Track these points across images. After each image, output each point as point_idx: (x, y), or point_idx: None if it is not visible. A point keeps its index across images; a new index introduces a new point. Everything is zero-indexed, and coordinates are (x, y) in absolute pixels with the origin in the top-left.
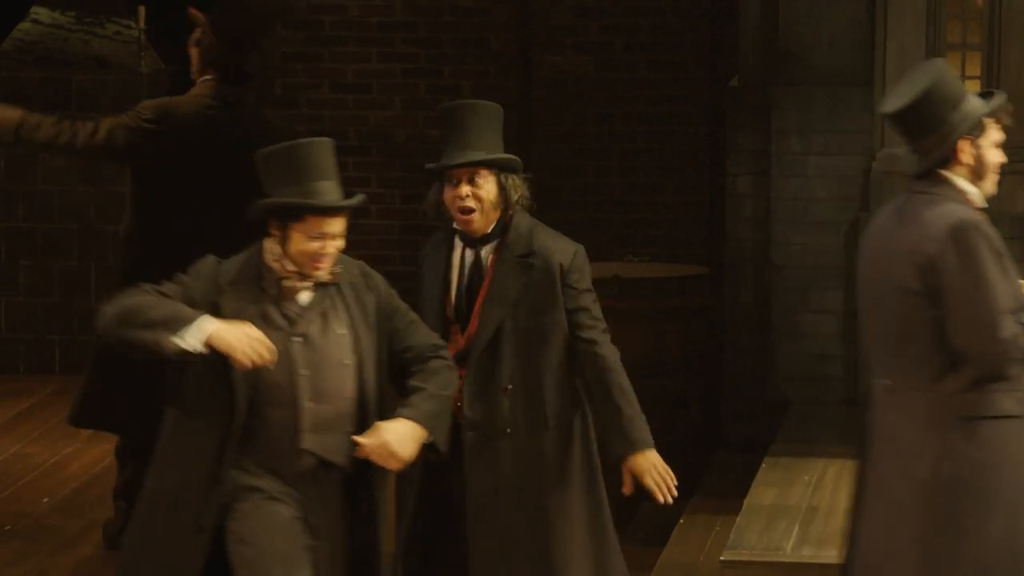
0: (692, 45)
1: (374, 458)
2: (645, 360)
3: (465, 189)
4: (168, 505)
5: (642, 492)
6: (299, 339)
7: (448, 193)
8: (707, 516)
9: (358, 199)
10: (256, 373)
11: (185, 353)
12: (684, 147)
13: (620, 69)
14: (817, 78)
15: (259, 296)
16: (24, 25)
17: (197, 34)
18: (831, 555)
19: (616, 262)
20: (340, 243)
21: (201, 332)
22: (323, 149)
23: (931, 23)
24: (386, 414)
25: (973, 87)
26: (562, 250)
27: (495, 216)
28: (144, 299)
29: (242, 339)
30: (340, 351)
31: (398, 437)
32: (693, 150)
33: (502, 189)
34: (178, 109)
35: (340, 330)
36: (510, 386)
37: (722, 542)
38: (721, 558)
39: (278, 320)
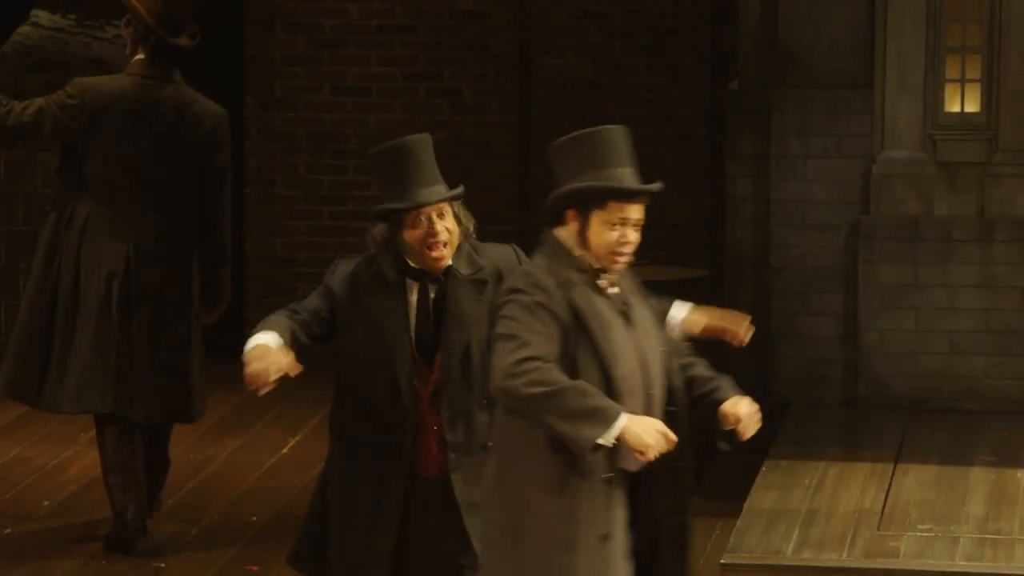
0: (692, 48)
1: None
2: None
3: (439, 225)
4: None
5: None
6: (632, 328)
7: (415, 232)
8: (707, 519)
9: (658, 185)
10: (607, 367)
11: (597, 448)
12: (684, 150)
13: (620, 72)
14: (817, 81)
15: (594, 289)
16: (24, 28)
17: (128, 15)
18: (831, 558)
19: None
20: (637, 235)
21: (616, 428)
22: (619, 135)
23: (931, 26)
24: None
25: (973, 89)
26: (502, 255)
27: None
28: (570, 384)
29: (651, 434)
30: (654, 338)
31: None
32: (693, 153)
33: (458, 220)
34: (103, 86)
35: (647, 315)
36: (485, 400)
37: (722, 545)
38: (721, 561)
39: (615, 311)
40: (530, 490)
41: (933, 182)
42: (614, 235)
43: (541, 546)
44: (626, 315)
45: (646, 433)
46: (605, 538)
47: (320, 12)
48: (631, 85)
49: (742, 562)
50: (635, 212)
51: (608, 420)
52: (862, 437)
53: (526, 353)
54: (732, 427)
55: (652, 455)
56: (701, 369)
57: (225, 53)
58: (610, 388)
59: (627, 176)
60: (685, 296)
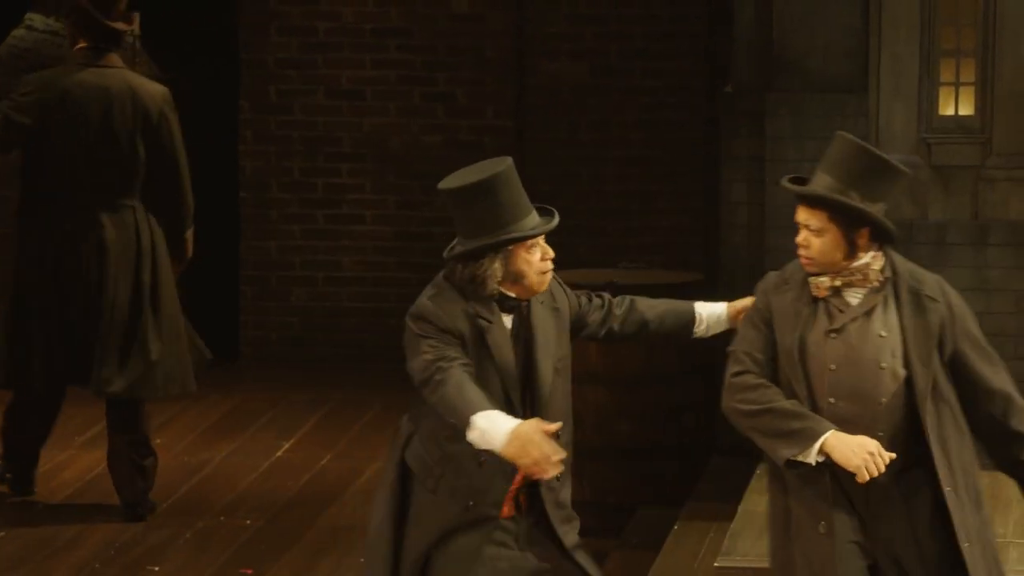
0: (687, 52)
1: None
2: (641, 368)
3: (549, 251)
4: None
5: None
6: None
7: (532, 258)
8: (702, 522)
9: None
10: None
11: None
12: (679, 154)
13: (615, 76)
14: (812, 85)
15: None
16: (18, 31)
17: (67, 8)
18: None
19: (611, 269)
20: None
21: (816, 446)
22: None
23: (925, 29)
24: None
25: (968, 93)
26: (555, 285)
27: None
28: (783, 404)
29: (858, 452)
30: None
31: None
32: (688, 157)
33: None
34: (54, 78)
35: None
36: (559, 432)
37: (716, 548)
38: (715, 564)
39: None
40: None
41: (927, 186)
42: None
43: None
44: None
45: (853, 453)
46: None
47: (314, 15)
48: (626, 89)
49: (736, 565)
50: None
51: (806, 439)
52: None
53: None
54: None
55: (863, 475)
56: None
57: (220, 57)
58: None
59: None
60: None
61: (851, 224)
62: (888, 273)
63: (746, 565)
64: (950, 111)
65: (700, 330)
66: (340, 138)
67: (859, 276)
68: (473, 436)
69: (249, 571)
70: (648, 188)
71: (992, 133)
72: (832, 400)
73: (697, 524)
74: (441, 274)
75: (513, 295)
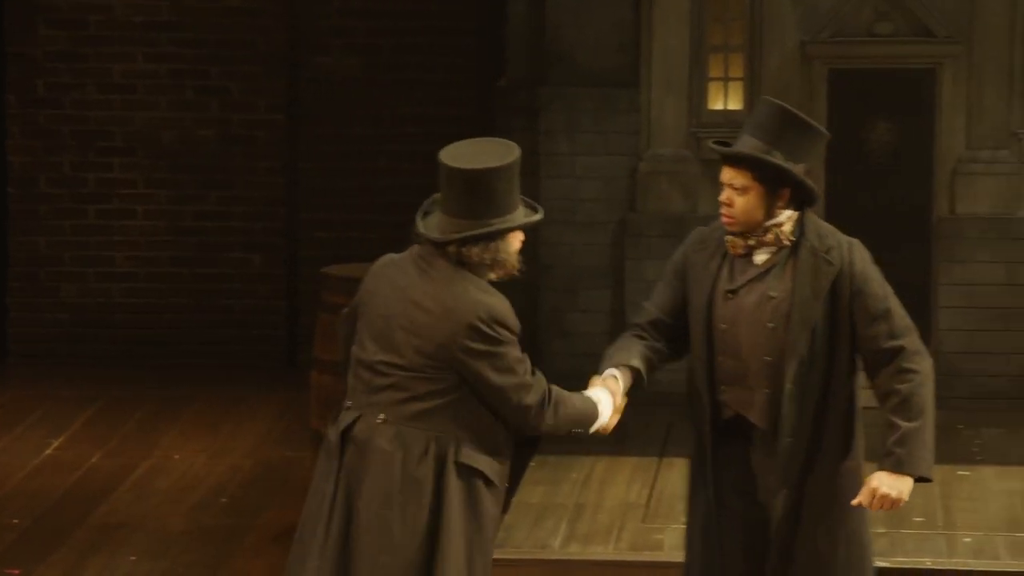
0: (460, 47)
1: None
2: None
3: (521, 236)
4: None
5: None
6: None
7: (517, 243)
8: None
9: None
10: None
11: None
12: None
13: (388, 70)
14: (584, 79)
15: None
16: None
17: None
18: (598, 551)
19: None
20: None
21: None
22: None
23: (694, 25)
24: None
25: (736, 87)
26: None
27: None
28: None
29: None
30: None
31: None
32: None
33: None
34: None
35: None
36: None
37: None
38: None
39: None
40: None
41: (697, 179)
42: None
43: None
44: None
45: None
46: None
47: (83, 8)
48: (400, 83)
49: (510, 556)
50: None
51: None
52: (629, 432)
53: None
54: None
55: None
56: None
57: None
58: None
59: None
60: None
61: (774, 184)
62: (797, 235)
63: (520, 556)
64: (719, 105)
65: None
66: (111, 132)
67: (772, 236)
68: (596, 426)
69: (16, 571)
70: (423, 182)
71: None
72: (721, 358)
73: None
74: (430, 254)
75: (494, 277)
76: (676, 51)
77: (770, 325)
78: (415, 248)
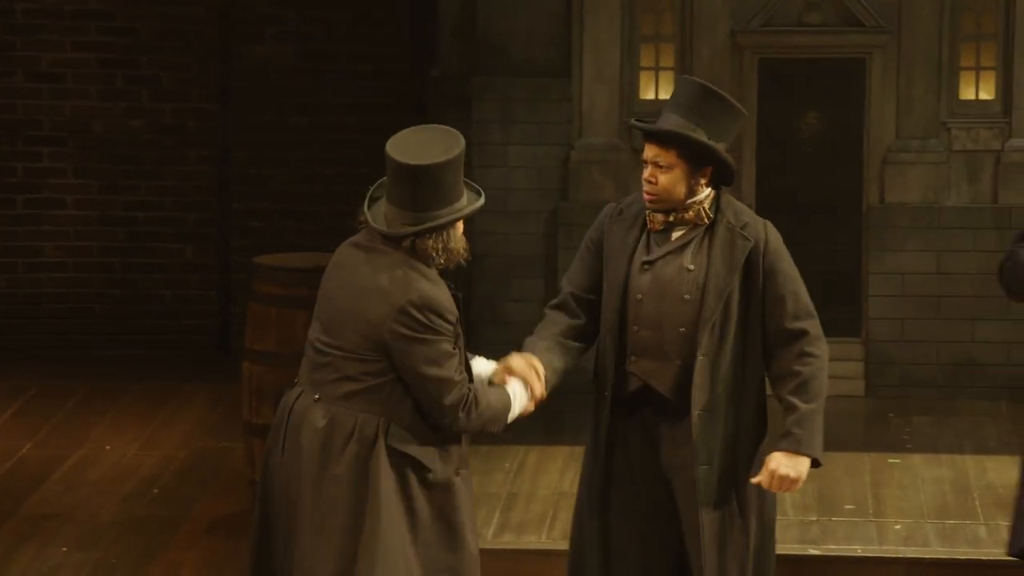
0: (393, 36)
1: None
2: None
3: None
4: None
5: None
6: None
7: (460, 233)
8: None
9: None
10: None
11: None
12: (386, 138)
13: (321, 60)
14: (516, 70)
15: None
16: None
17: None
18: (531, 540)
19: (319, 252)
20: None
21: None
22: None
23: (626, 16)
24: None
25: (667, 77)
26: None
27: None
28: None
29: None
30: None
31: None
32: None
33: None
34: None
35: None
36: None
37: None
38: None
39: None
40: None
41: (629, 168)
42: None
43: None
44: None
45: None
46: None
47: None
48: (332, 73)
49: None
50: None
51: None
52: (561, 421)
53: None
54: None
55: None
56: None
57: None
58: None
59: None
60: None
61: (699, 162)
62: (714, 212)
63: None
64: (651, 95)
65: None
66: (40, 122)
67: (692, 212)
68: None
69: None
70: (356, 171)
71: None
72: (635, 328)
73: None
74: (374, 239)
75: (443, 264)
76: (607, 42)
77: (686, 297)
78: (362, 232)
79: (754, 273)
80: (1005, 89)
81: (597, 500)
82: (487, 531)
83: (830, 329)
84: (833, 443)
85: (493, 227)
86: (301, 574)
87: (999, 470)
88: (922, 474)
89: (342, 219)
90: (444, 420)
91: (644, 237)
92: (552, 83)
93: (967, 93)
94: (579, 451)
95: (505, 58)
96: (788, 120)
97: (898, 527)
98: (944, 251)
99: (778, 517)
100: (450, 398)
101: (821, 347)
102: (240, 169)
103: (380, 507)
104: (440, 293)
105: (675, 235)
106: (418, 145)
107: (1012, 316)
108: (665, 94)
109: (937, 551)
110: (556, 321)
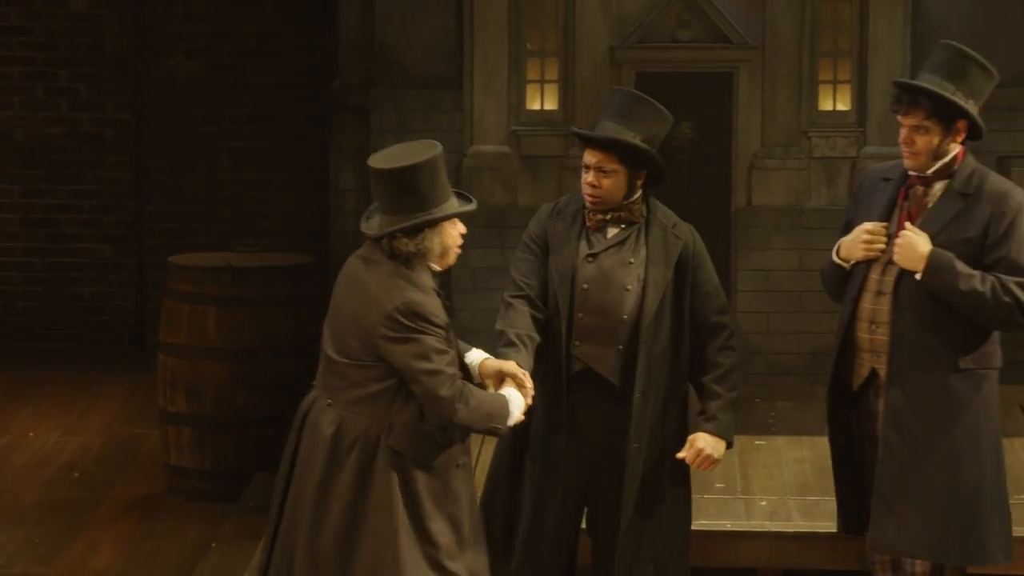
0: (295, 51)
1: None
2: (258, 344)
3: (463, 228)
4: None
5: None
6: None
7: (455, 233)
8: None
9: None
10: None
11: None
12: (290, 146)
13: (228, 72)
14: (412, 82)
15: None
16: None
17: None
18: None
19: (228, 252)
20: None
21: None
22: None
23: (513, 32)
24: None
25: (552, 89)
26: None
27: None
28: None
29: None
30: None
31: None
32: (299, 148)
33: None
34: None
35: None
36: None
37: None
38: None
39: None
40: None
41: (517, 174)
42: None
43: None
44: None
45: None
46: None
47: None
48: (239, 85)
49: None
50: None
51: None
52: None
53: None
54: None
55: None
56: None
57: None
58: None
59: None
60: (293, 283)
61: (636, 165)
62: (646, 212)
63: None
64: (536, 106)
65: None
66: None
67: (626, 212)
68: (511, 422)
69: None
70: (261, 177)
71: (575, 125)
72: (580, 315)
73: None
74: (373, 251)
75: (437, 268)
76: (496, 56)
77: (628, 288)
78: (365, 244)
79: (684, 270)
80: (860, 101)
81: (510, 460)
82: None
83: None
84: None
85: None
86: (304, 572)
87: None
88: (786, 455)
89: (247, 221)
90: (445, 412)
91: (584, 233)
92: (445, 94)
93: (825, 104)
94: (480, 439)
95: (401, 71)
96: None
97: (764, 503)
98: (806, 249)
99: None
100: (445, 390)
101: (738, 342)
102: (154, 175)
103: (378, 505)
104: (425, 299)
105: (611, 232)
106: (396, 155)
107: None
108: (549, 105)
109: (799, 525)
110: (523, 313)
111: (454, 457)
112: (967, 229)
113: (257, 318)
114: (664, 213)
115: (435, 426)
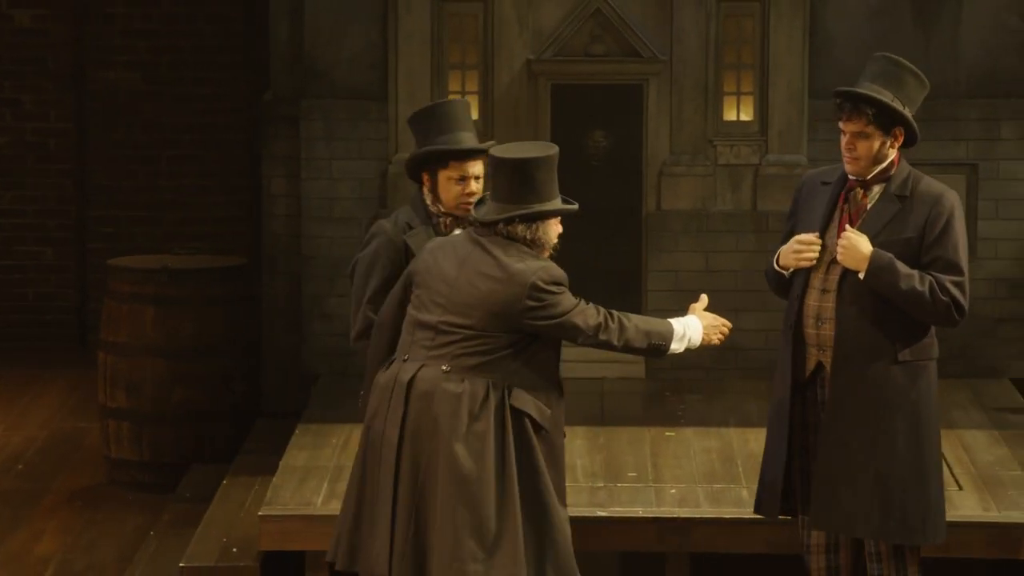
0: (230, 63)
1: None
2: (193, 342)
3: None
4: None
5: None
6: None
7: (557, 229)
8: (248, 477)
9: (491, 143)
10: None
11: None
12: (226, 153)
13: (167, 84)
14: (340, 93)
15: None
16: None
17: None
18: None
19: (166, 254)
20: (479, 186)
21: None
22: (460, 107)
23: (435, 46)
24: None
25: (472, 101)
26: None
27: None
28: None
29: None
30: None
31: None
32: (234, 156)
33: None
34: None
35: None
36: None
37: (261, 499)
38: (260, 513)
39: None
40: None
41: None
42: (459, 188)
43: None
44: None
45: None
46: None
47: None
48: (177, 96)
49: (278, 513)
50: (475, 168)
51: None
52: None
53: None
54: None
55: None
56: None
57: None
58: None
59: (467, 139)
60: (228, 284)
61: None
62: None
63: (286, 513)
64: None
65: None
66: None
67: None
68: (676, 346)
69: None
70: (199, 183)
71: (494, 135)
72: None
73: (244, 478)
74: (487, 234)
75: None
76: (419, 68)
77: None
78: (469, 230)
79: None
80: (762, 111)
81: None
82: (317, 499)
83: None
84: (617, 419)
85: (320, 232)
86: (444, 525)
87: (759, 441)
88: (694, 445)
89: (185, 225)
90: (603, 336)
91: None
92: (371, 105)
93: (730, 115)
94: None
95: (329, 82)
96: (578, 138)
97: (673, 491)
98: (712, 251)
99: (569, 484)
100: (593, 319)
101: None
102: (95, 181)
103: (509, 459)
104: (553, 265)
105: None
106: (518, 148)
107: (769, 308)
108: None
109: (706, 511)
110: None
111: (560, 426)
112: (904, 230)
113: (193, 317)
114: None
115: (551, 391)
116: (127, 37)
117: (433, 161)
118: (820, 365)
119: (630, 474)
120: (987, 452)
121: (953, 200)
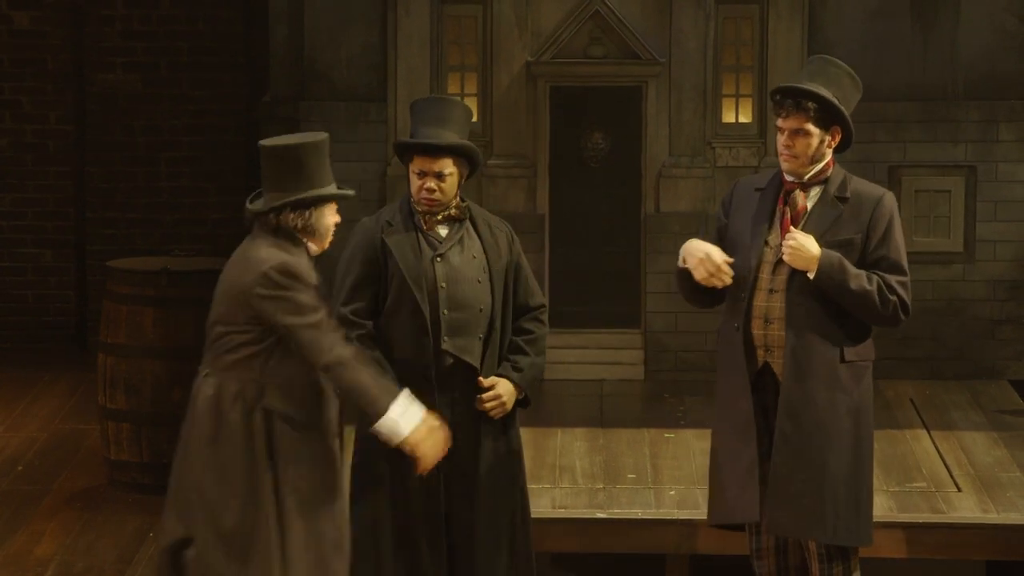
0: (229, 65)
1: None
2: (191, 342)
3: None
4: None
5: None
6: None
7: (334, 217)
8: None
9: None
10: None
11: None
12: (224, 155)
13: (165, 86)
14: (339, 94)
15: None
16: None
17: None
18: None
19: (165, 256)
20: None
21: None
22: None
23: (434, 48)
24: None
25: (471, 102)
26: None
27: None
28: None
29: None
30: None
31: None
32: (232, 158)
33: None
34: None
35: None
36: None
37: None
38: None
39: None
40: None
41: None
42: (419, 183)
43: None
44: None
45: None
46: None
47: None
48: (175, 98)
49: None
50: (434, 165)
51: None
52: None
53: None
54: None
55: None
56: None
57: None
58: None
59: (434, 135)
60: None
61: (467, 168)
62: (465, 209)
63: None
64: None
65: None
66: None
67: (454, 211)
68: (384, 423)
69: None
70: (197, 185)
71: (492, 137)
72: (446, 311)
73: None
74: (258, 229)
75: (315, 250)
76: (418, 70)
77: (478, 280)
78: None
79: (511, 258)
80: (761, 113)
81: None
82: None
83: (614, 321)
84: (617, 420)
85: None
86: (202, 529)
87: None
88: (693, 447)
89: (183, 227)
90: (323, 361)
91: (420, 237)
92: (370, 106)
93: (728, 117)
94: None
95: (328, 84)
96: (576, 140)
97: (672, 493)
98: None
99: (568, 485)
100: (325, 342)
101: (546, 318)
102: (94, 183)
103: (259, 462)
104: (294, 260)
105: (443, 231)
106: (285, 137)
107: None
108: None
109: (705, 513)
110: (375, 359)
111: (325, 424)
112: (847, 231)
113: (192, 318)
114: (478, 207)
115: (314, 386)
116: (126, 39)
117: (400, 154)
118: (767, 366)
119: (629, 476)
120: (986, 454)
121: (892, 201)
